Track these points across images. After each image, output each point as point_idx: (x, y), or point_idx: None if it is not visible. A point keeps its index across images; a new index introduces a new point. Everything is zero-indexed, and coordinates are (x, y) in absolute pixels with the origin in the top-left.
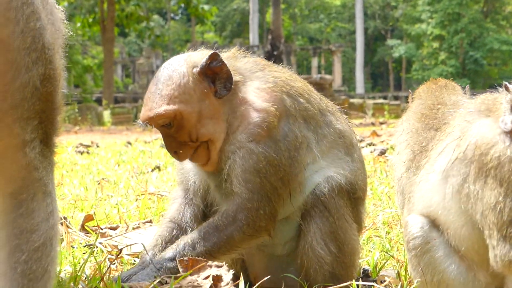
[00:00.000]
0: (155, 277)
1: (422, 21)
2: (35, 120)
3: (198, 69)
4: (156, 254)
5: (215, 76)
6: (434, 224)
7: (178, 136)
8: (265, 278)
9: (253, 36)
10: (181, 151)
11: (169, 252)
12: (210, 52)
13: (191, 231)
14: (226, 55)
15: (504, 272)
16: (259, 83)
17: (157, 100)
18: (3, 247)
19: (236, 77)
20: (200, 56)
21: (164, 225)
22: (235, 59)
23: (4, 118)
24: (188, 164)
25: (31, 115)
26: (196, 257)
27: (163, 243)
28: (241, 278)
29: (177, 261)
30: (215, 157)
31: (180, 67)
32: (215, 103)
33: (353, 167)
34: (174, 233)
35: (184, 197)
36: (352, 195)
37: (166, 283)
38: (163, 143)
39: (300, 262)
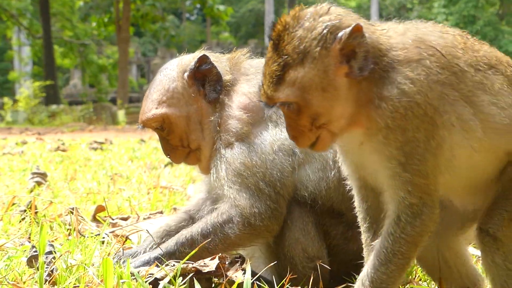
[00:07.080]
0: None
1: (438, 23)
2: None
3: (187, 73)
4: (152, 242)
5: (205, 79)
6: None
7: (170, 139)
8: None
9: None
10: (174, 154)
11: (171, 245)
12: (200, 54)
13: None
14: (228, 56)
15: None
16: (246, 87)
17: (148, 104)
18: None
19: (226, 78)
20: (191, 59)
21: (175, 215)
22: (236, 60)
23: None
24: None
25: None
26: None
27: (165, 231)
28: (247, 260)
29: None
30: (206, 163)
31: (171, 71)
32: (206, 108)
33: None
34: (182, 224)
35: (206, 192)
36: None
37: (173, 265)
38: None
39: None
